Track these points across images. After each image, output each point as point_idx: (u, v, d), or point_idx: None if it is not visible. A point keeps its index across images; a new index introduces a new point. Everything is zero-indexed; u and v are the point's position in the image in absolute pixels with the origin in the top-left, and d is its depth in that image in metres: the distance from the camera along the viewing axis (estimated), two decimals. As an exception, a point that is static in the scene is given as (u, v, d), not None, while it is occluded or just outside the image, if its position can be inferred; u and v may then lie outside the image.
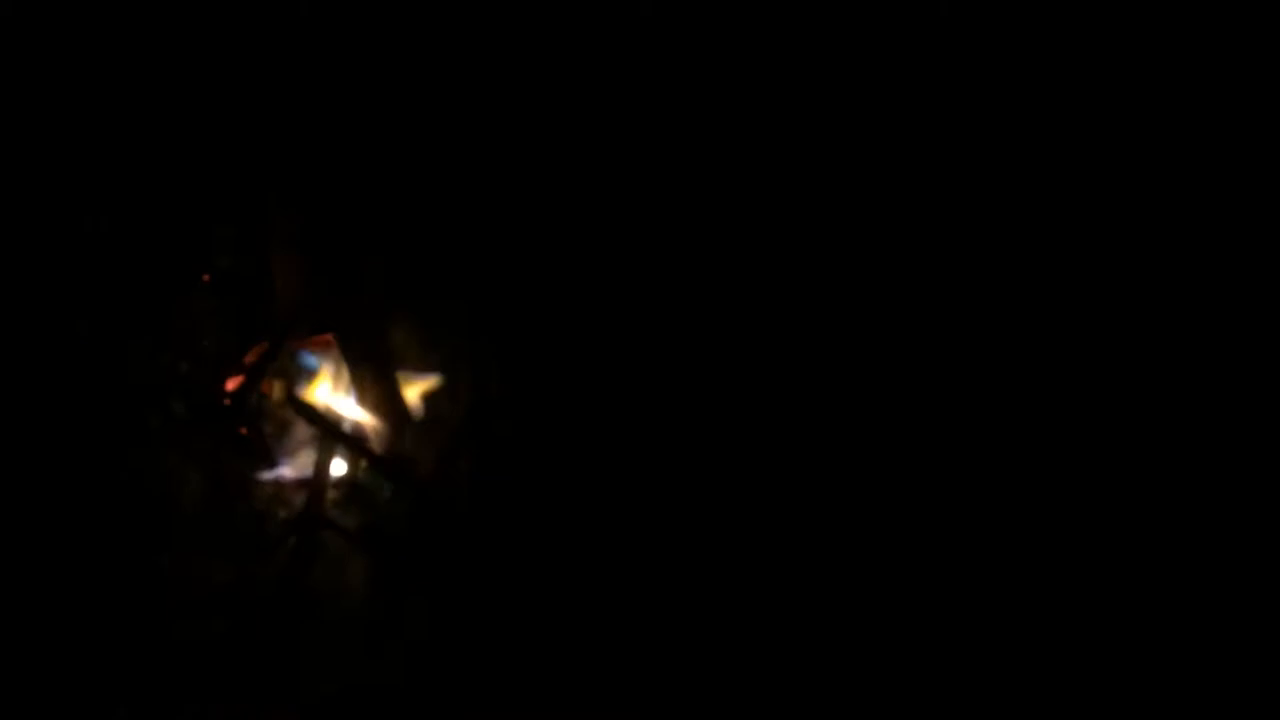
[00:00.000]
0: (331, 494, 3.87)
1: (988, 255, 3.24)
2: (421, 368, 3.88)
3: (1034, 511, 3.17)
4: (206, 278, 4.02)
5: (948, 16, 3.14)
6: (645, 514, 3.44)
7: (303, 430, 4.01)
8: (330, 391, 3.94)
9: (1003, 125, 3.20)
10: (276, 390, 4.00)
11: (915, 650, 3.16)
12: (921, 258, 3.30)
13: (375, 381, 3.78)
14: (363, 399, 3.83)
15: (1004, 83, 3.18)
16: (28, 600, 3.29)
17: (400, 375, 3.83)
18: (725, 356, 3.41)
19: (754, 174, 3.39)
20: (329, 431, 3.78)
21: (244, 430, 3.92)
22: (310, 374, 3.98)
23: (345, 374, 3.88)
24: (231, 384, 3.92)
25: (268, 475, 4.02)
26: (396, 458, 3.78)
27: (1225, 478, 3.04)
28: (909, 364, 3.31)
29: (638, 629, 3.34)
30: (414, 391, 3.82)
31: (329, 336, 4.01)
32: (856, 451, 3.32)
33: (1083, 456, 3.17)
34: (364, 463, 3.93)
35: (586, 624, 3.40)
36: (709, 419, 3.42)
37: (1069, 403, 3.20)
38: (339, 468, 3.92)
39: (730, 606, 3.33)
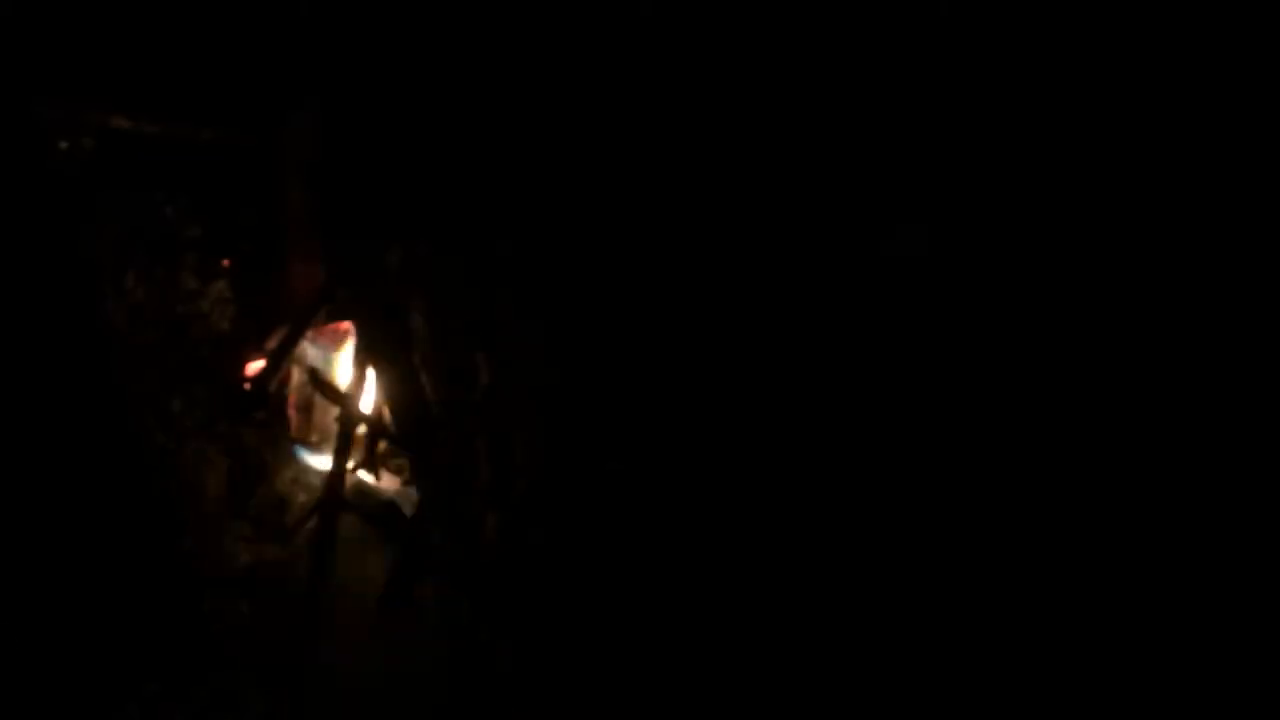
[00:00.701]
0: (351, 477, 3.91)
1: (988, 255, 3.21)
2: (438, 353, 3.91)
3: (1034, 512, 3.15)
4: (227, 263, 4.06)
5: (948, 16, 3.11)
6: (654, 505, 3.44)
7: (323, 414, 4.05)
8: (349, 376, 3.98)
9: (1003, 125, 3.17)
10: (297, 374, 4.04)
11: (915, 650, 3.16)
12: (922, 258, 3.27)
13: (393, 366, 3.79)
14: (381, 384, 3.86)
15: (1004, 83, 3.15)
16: (53, 582, 3.34)
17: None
18: (730, 355, 3.40)
19: (755, 174, 3.37)
20: (351, 412, 3.81)
21: (264, 414, 3.97)
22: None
23: (364, 359, 3.91)
24: (252, 369, 3.96)
25: (288, 458, 4.07)
26: (415, 441, 3.80)
27: (1225, 478, 3.01)
28: (909, 364, 3.28)
29: (646, 626, 3.35)
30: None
31: (347, 323, 4.05)
32: (857, 452, 3.31)
33: (1082, 456, 3.14)
34: (384, 445, 3.97)
35: (598, 615, 3.41)
36: (714, 418, 3.41)
37: (1069, 403, 3.17)
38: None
39: (731, 607, 3.33)
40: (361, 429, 3.90)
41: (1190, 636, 2.99)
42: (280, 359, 3.87)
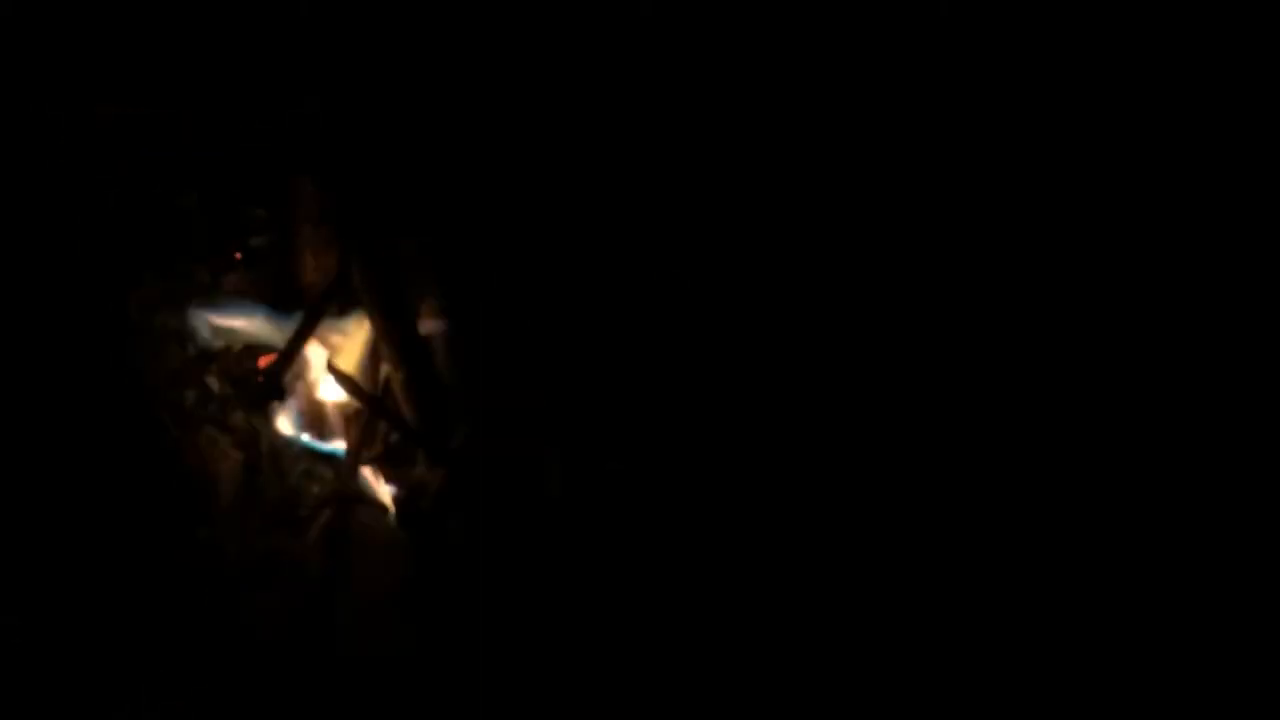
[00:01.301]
0: (365, 468, 3.91)
1: (988, 255, 3.19)
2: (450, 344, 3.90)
3: (1034, 511, 3.14)
4: (239, 255, 4.06)
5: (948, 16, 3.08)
6: (661, 503, 3.44)
7: (336, 406, 4.04)
8: (363, 368, 3.97)
9: (1003, 125, 3.15)
10: (310, 366, 4.04)
11: (915, 650, 3.15)
12: (922, 258, 3.25)
13: (406, 358, 3.80)
14: (394, 375, 3.86)
15: (1004, 83, 3.12)
16: (65, 574, 3.35)
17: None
18: (730, 356, 3.40)
19: (756, 175, 3.36)
20: (365, 403, 3.81)
21: (278, 405, 3.97)
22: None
23: (378, 351, 3.91)
24: (264, 360, 3.96)
25: (301, 449, 4.06)
26: (429, 431, 3.80)
27: (1225, 478, 2.99)
28: (907, 364, 3.27)
29: (647, 625, 3.35)
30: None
31: (361, 314, 4.03)
32: (856, 452, 3.30)
33: (1083, 456, 3.13)
34: (397, 436, 3.96)
35: (599, 613, 3.41)
36: (715, 415, 3.40)
37: (1069, 403, 3.16)
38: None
39: (732, 607, 3.32)
40: (376, 421, 3.89)
41: (1190, 636, 2.99)
42: (294, 350, 3.87)
